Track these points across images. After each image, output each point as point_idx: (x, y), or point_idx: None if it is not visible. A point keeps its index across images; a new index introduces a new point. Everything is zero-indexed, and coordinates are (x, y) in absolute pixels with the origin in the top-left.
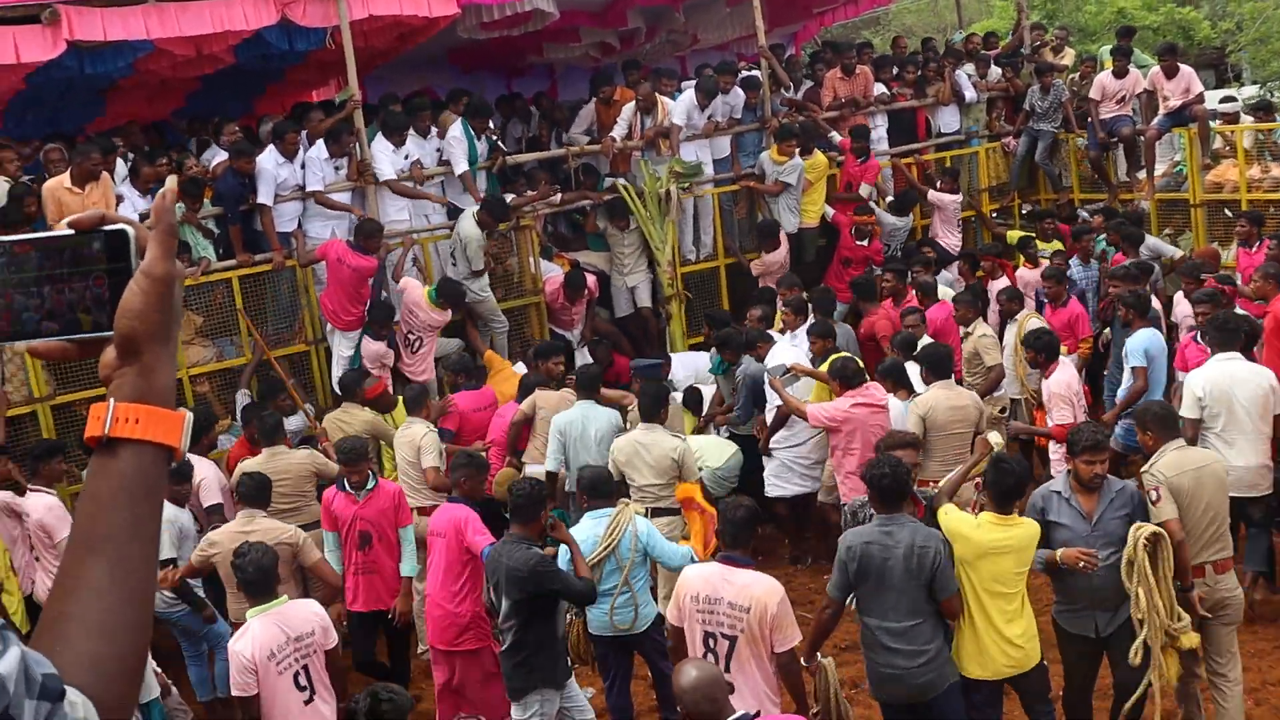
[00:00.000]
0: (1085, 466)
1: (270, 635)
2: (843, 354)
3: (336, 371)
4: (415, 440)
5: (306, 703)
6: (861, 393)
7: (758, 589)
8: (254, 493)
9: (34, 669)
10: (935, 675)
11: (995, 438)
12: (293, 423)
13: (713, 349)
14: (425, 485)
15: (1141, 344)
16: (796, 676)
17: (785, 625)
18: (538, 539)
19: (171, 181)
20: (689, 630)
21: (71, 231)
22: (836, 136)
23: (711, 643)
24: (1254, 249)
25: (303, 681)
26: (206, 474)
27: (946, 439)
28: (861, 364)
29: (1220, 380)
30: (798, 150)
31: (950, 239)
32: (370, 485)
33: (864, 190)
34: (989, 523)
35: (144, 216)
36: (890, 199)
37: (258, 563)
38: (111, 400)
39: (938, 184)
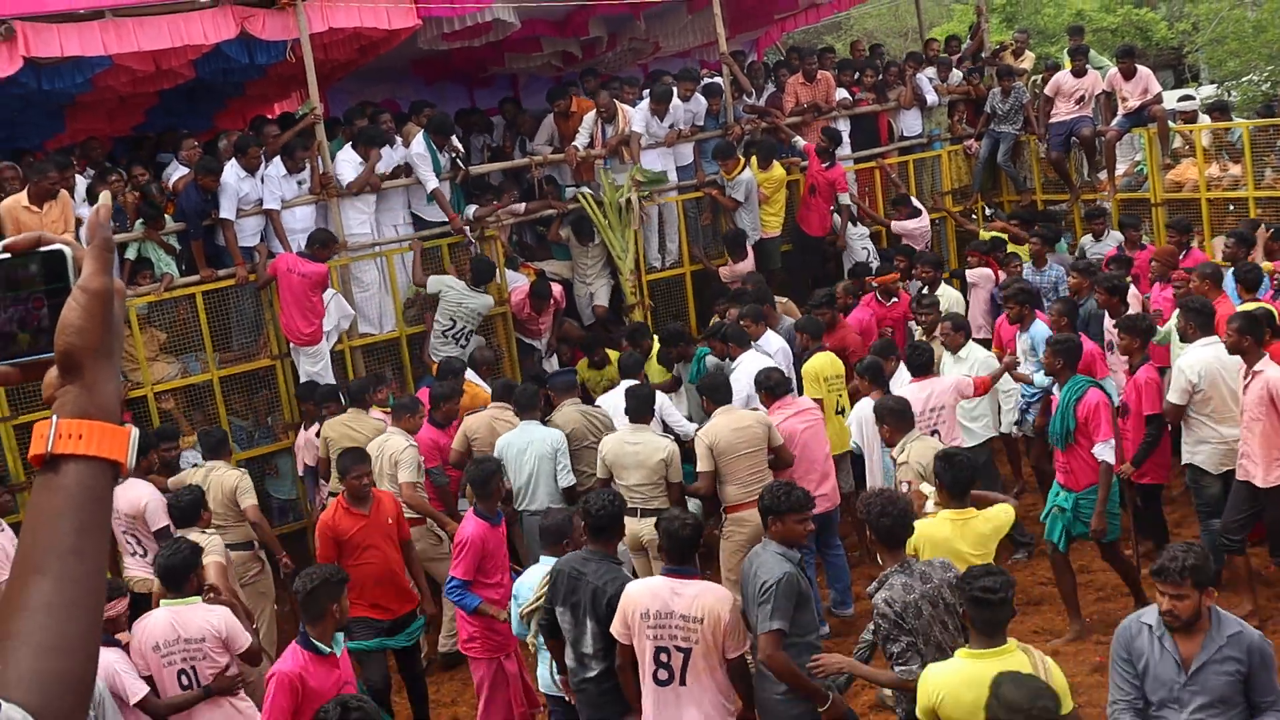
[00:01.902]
0: (1161, 598)
1: (162, 629)
2: (767, 366)
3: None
4: (394, 453)
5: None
6: (785, 404)
7: (709, 599)
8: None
9: None
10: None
11: (927, 489)
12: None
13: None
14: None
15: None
16: (748, 680)
17: (737, 632)
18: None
19: (105, 197)
20: (639, 646)
21: (7, 255)
22: (801, 141)
23: (665, 657)
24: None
25: (186, 681)
26: (149, 496)
27: (737, 461)
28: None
29: (1211, 364)
30: (745, 165)
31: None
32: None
33: (842, 199)
34: (946, 518)
35: None
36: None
37: (176, 552)
38: (55, 417)
39: (897, 210)
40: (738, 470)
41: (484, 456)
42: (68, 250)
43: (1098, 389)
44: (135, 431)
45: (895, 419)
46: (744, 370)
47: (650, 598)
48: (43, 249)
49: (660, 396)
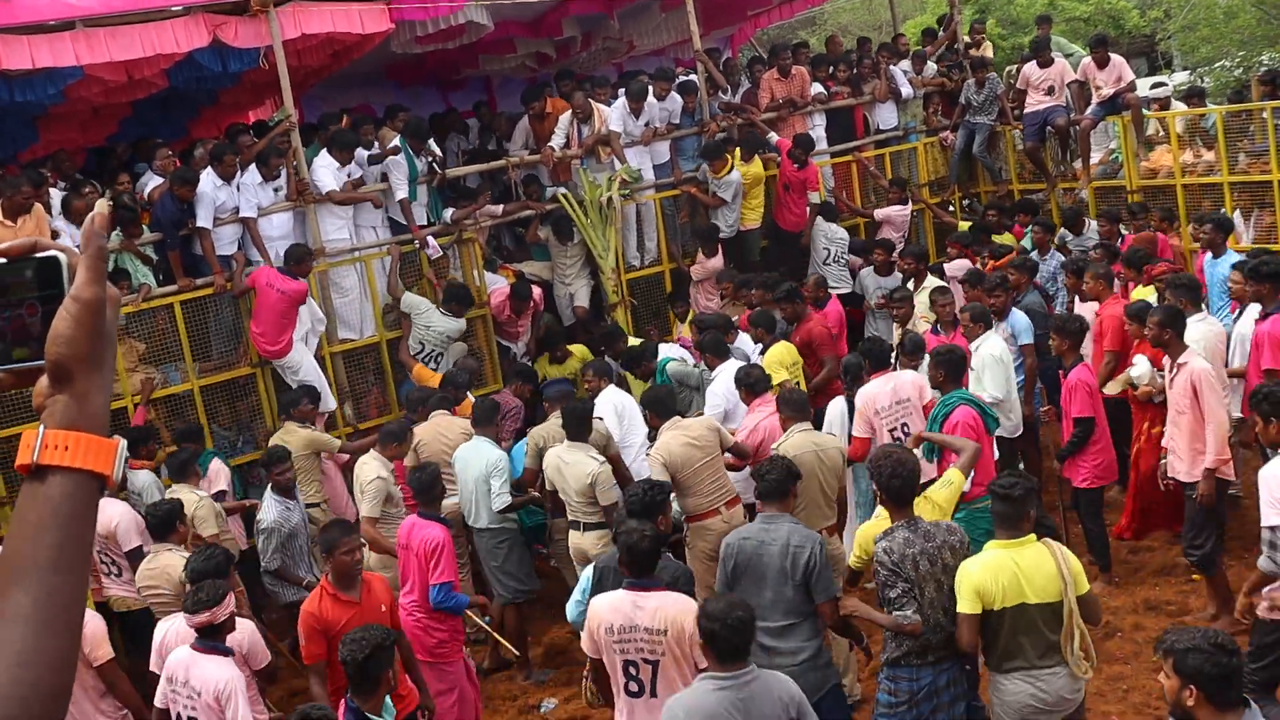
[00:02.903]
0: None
1: (187, 633)
2: (746, 363)
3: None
4: (362, 480)
5: None
6: (765, 400)
7: (671, 609)
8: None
9: None
10: (817, 676)
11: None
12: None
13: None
14: None
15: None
16: None
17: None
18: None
19: (101, 205)
20: (608, 661)
21: (2, 260)
22: (774, 137)
23: (634, 670)
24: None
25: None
26: (120, 516)
27: (695, 474)
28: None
29: (1209, 337)
30: (732, 166)
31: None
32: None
33: (813, 197)
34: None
35: None
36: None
37: (210, 559)
38: (42, 427)
39: (888, 194)
40: (698, 482)
41: (424, 463)
42: (63, 257)
43: (969, 406)
44: (123, 444)
45: (790, 409)
46: (722, 380)
47: (612, 612)
48: (38, 255)
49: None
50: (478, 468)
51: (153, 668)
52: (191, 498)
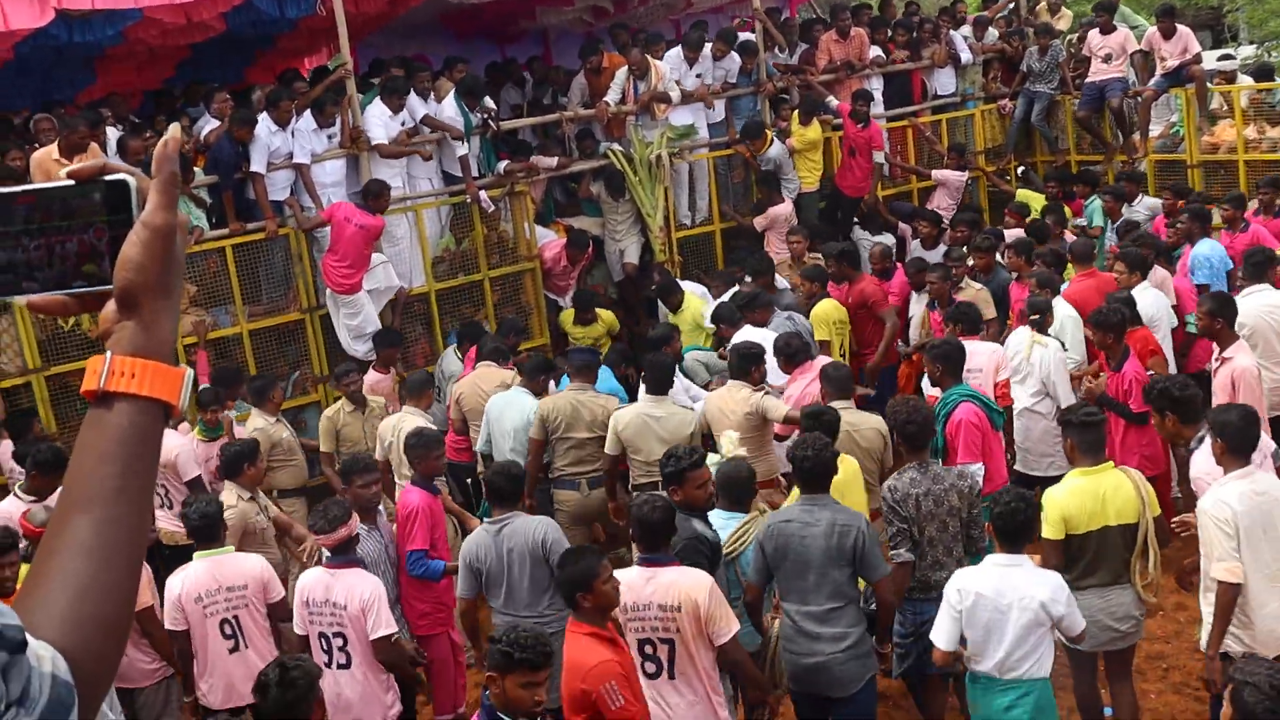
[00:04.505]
0: None
1: (202, 580)
2: (786, 331)
3: (344, 337)
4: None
5: (232, 650)
6: (808, 370)
7: (684, 583)
8: None
9: None
10: (858, 665)
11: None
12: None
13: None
14: None
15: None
16: (746, 664)
17: (719, 615)
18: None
19: (174, 129)
20: (628, 640)
21: (71, 183)
22: (834, 101)
23: (650, 649)
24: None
25: (229, 630)
26: (180, 446)
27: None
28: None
29: (1261, 311)
30: (772, 141)
31: (946, 210)
32: None
33: (877, 157)
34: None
35: None
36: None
37: (203, 511)
38: (109, 353)
39: (944, 160)
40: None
41: (422, 428)
42: (132, 181)
43: (972, 403)
44: (190, 373)
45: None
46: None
47: (627, 590)
48: (106, 178)
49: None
50: (514, 418)
51: (167, 623)
52: (265, 426)
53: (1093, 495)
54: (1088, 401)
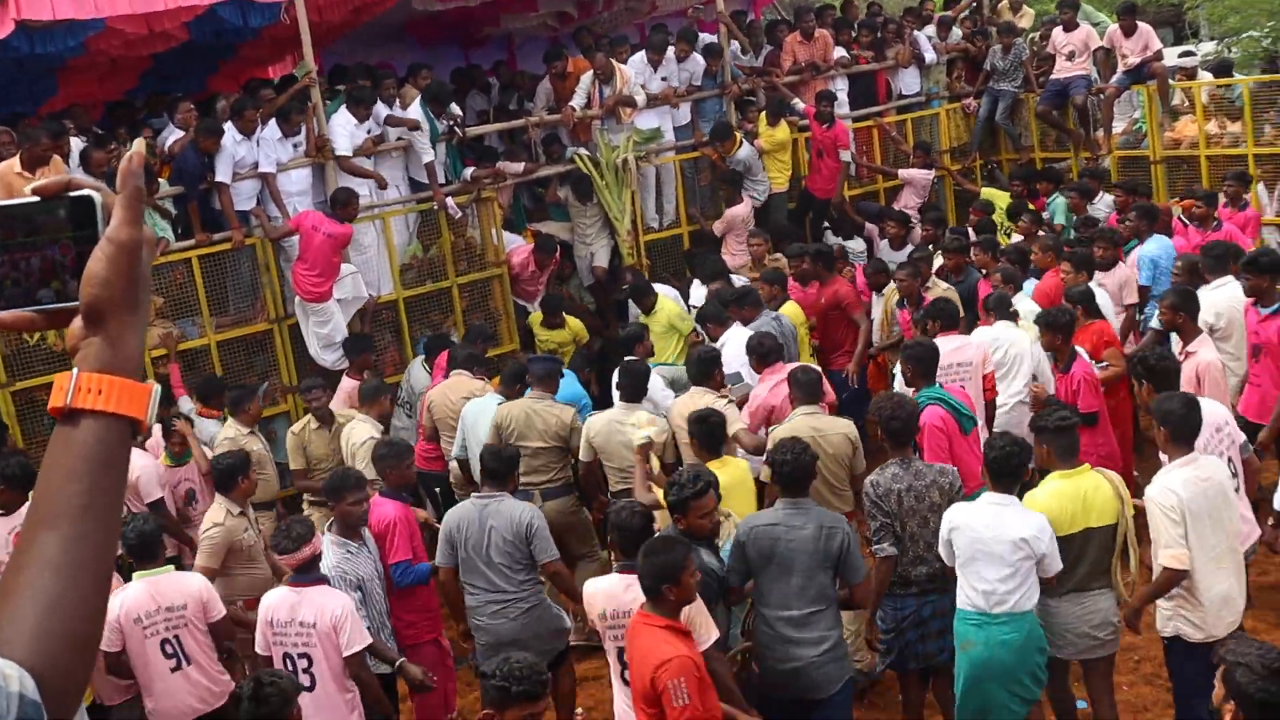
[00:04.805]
0: None
1: (141, 601)
2: (760, 331)
3: (313, 346)
4: (354, 444)
5: (174, 669)
6: (776, 370)
7: None
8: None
9: None
10: (837, 667)
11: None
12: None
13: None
14: None
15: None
16: (725, 676)
17: (698, 623)
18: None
19: (139, 144)
20: (607, 648)
21: (36, 199)
22: (800, 104)
23: (626, 657)
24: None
25: (170, 650)
26: (141, 467)
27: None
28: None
29: (1234, 302)
30: (740, 142)
31: (913, 210)
32: None
33: (844, 156)
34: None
35: None
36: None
37: (140, 530)
38: (75, 370)
39: (910, 159)
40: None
41: (389, 438)
42: (97, 197)
43: (940, 406)
44: (157, 389)
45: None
46: (730, 346)
47: (605, 598)
48: (72, 194)
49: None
50: (488, 425)
51: (102, 644)
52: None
53: (1073, 497)
54: (1034, 408)
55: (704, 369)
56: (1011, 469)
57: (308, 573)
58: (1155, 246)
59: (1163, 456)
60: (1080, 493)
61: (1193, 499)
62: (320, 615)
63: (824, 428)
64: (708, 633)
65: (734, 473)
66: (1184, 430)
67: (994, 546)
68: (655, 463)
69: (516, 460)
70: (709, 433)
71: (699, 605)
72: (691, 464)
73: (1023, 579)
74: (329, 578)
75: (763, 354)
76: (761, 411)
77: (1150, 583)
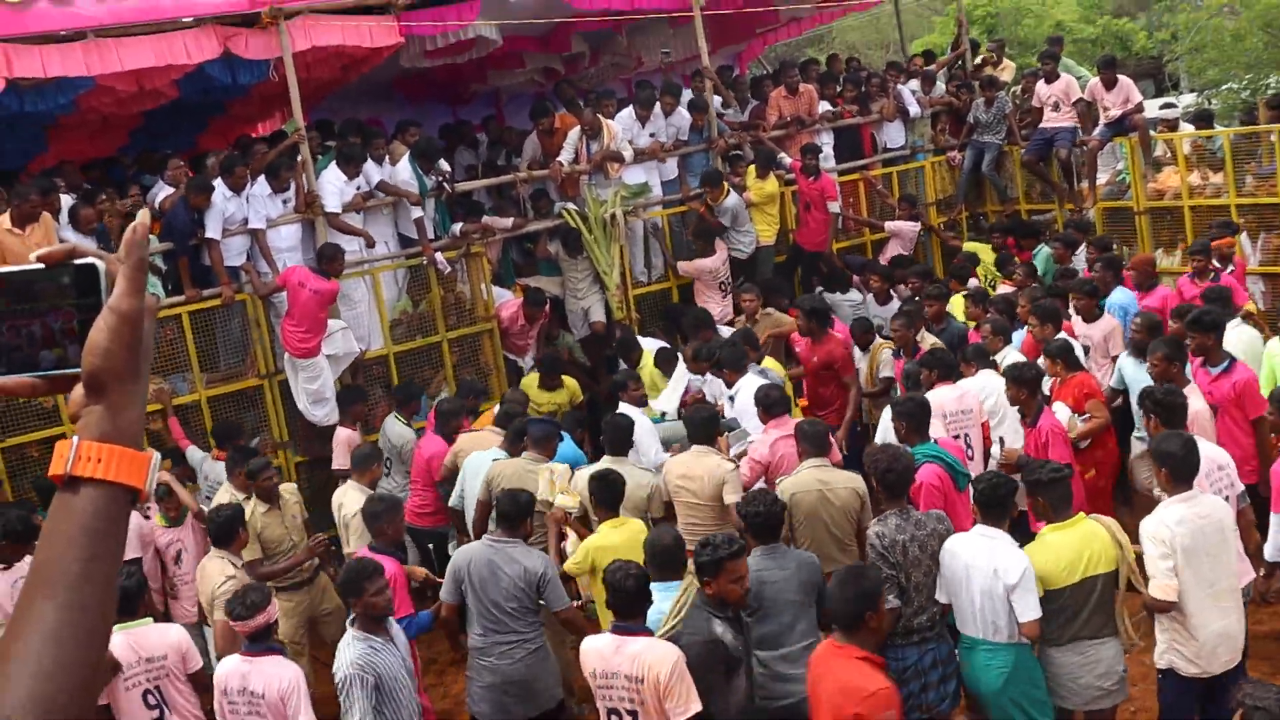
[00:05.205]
0: None
1: (122, 653)
2: (765, 382)
3: (302, 402)
4: (346, 514)
5: None
6: (781, 424)
7: (649, 656)
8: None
9: None
10: None
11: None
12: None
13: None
14: None
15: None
16: None
17: (679, 692)
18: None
19: (144, 215)
20: (599, 706)
21: (41, 266)
22: (786, 159)
23: (615, 719)
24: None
25: (152, 701)
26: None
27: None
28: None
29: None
30: (729, 191)
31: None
32: None
33: (832, 207)
34: (606, 528)
35: None
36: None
37: (122, 585)
38: (76, 438)
39: (896, 212)
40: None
41: (379, 494)
42: (101, 265)
43: (935, 464)
44: (156, 457)
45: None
46: (744, 395)
47: (597, 657)
48: (76, 261)
49: (640, 425)
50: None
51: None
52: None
53: (1070, 547)
54: (1004, 472)
55: (706, 428)
56: (999, 499)
57: (260, 641)
58: (1121, 297)
59: (1160, 494)
60: (1077, 542)
61: (1189, 535)
62: (269, 686)
63: (832, 481)
64: (686, 704)
65: (631, 532)
66: (1183, 470)
67: (975, 576)
68: (572, 536)
69: (531, 507)
70: (608, 490)
71: (681, 673)
72: (725, 530)
73: (1007, 611)
74: (284, 649)
75: (769, 405)
76: (758, 468)
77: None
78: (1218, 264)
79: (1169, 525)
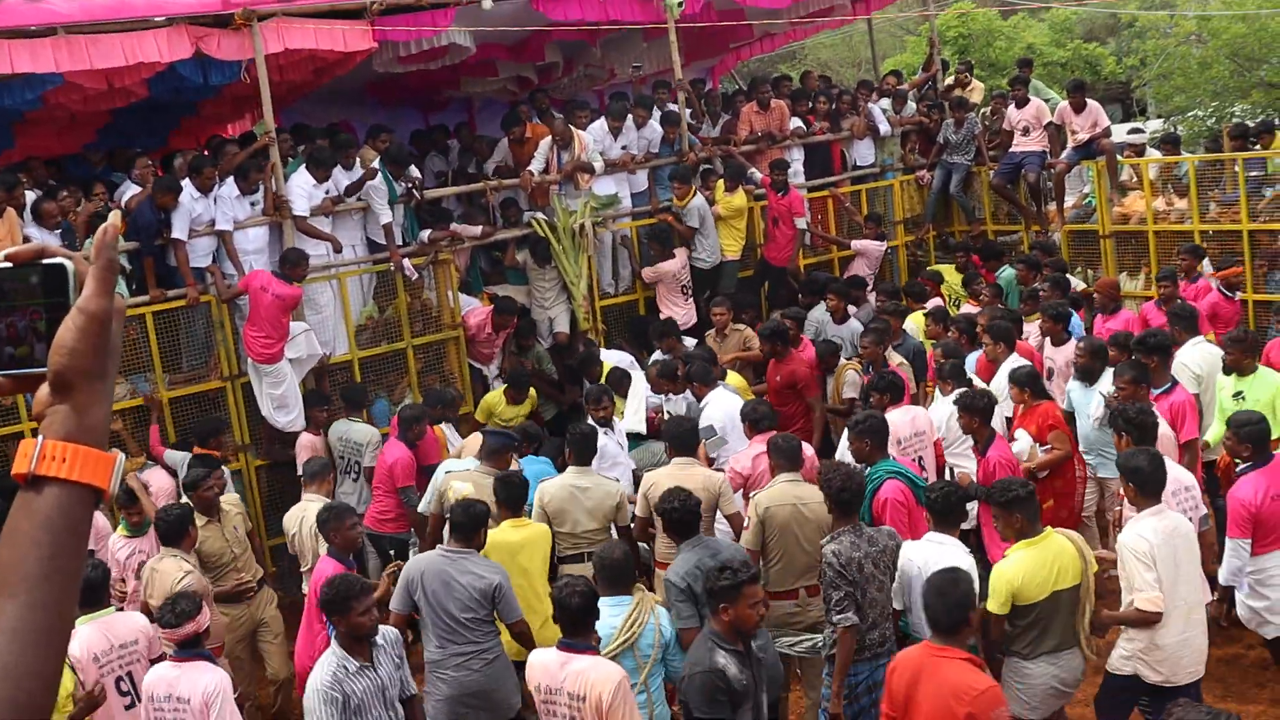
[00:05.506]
0: None
1: (96, 641)
2: (753, 399)
3: (266, 408)
4: (313, 525)
5: (128, 707)
6: (766, 439)
7: (593, 675)
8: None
9: None
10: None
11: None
12: None
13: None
14: None
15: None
16: None
17: (621, 714)
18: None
19: (114, 217)
20: None
21: (9, 265)
22: (757, 175)
23: None
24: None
25: (125, 687)
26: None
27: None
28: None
29: (1207, 357)
30: (696, 192)
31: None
32: None
33: (799, 223)
34: (507, 526)
35: None
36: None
37: (87, 576)
38: (40, 437)
39: (863, 230)
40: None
41: (333, 502)
42: (70, 265)
43: (898, 480)
44: (121, 457)
45: (780, 456)
46: (712, 407)
47: (542, 672)
48: (45, 261)
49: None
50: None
51: (87, 684)
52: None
53: (1042, 563)
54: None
55: (689, 440)
56: (952, 507)
57: (191, 647)
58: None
59: (1129, 510)
60: (1047, 558)
61: (1162, 546)
62: (194, 691)
63: (806, 496)
64: None
65: (533, 532)
66: (1150, 485)
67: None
68: None
69: (485, 518)
70: (507, 489)
71: (624, 695)
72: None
73: None
74: (213, 656)
75: (756, 420)
76: (738, 480)
77: (1121, 613)
78: (1183, 276)
79: (1147, 537)
